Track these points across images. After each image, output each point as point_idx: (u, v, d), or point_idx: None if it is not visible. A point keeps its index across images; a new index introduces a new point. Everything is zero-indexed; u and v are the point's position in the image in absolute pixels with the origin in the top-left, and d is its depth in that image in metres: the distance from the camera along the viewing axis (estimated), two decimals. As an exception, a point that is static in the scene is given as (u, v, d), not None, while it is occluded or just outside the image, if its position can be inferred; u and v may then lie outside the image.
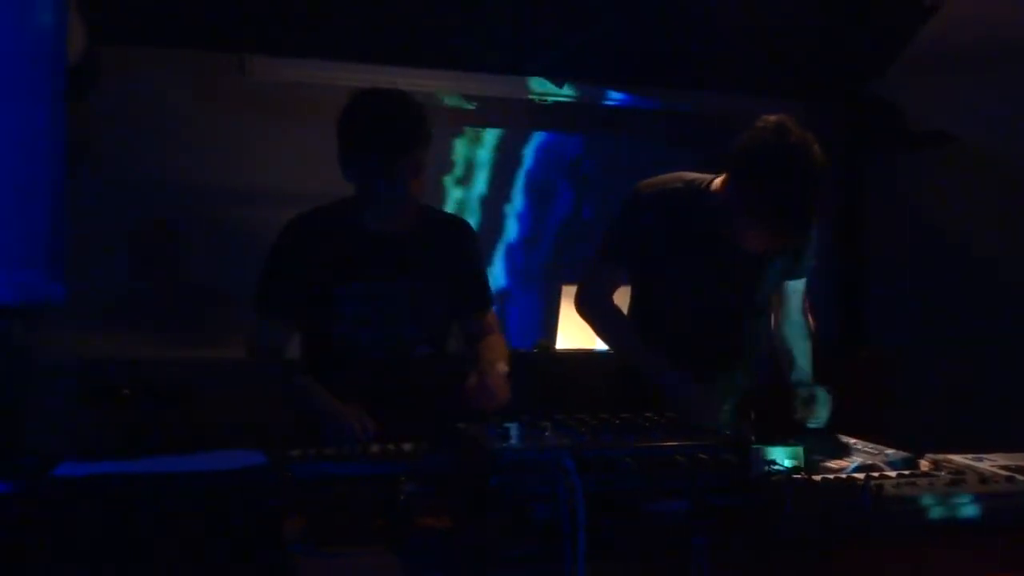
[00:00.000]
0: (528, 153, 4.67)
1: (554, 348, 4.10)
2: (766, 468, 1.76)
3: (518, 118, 4.63)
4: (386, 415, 2.24)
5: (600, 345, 2.73)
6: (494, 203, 4.62)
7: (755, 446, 1.78)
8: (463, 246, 2.56)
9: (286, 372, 2.46)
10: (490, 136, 4.62)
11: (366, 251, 2.41)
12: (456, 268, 2.52)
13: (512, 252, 4.65)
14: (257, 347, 2.48)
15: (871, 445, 2.18)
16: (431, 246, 2.47)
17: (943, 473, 1.90)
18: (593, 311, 2.54)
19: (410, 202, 2.37)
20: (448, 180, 4.55)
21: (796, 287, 2.59)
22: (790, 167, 2.18)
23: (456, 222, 2.64)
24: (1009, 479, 1.84)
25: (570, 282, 3.86)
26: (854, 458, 2.08)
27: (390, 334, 2.43)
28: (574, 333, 3.97)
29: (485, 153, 4.62)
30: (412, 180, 2.33)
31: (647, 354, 2.42)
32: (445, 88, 4.36)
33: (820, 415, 2.39)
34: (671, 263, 2.45)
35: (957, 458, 2.03)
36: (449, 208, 4.40)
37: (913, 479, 1.82)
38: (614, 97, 4.56)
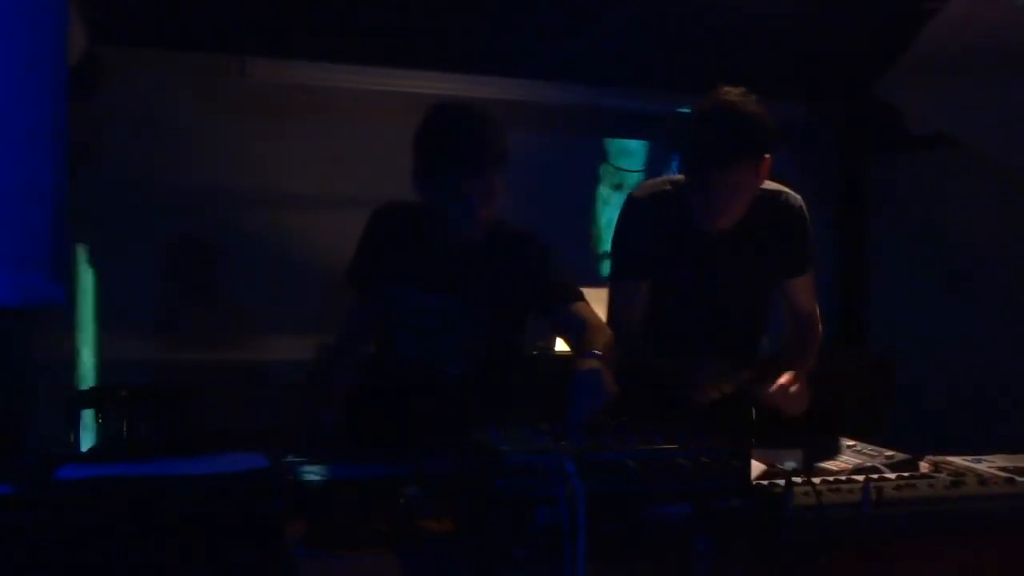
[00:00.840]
0: (530, 156, 4.66)
1: (554, 350, 4.09)
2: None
3: (524, 121, 4.62)
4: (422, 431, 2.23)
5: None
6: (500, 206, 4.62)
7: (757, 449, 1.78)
8: (529, 261, 2.41)
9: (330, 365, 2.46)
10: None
11: (432, 262, 2.36)
12: (522, 280, 2.39)
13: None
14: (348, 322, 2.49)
15: (871, 447, 2.18)
16: (497, 262, 2.37)
17: (943, 475, 1.91)
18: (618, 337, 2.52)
19: (480, 224, 2.28)
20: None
21: (800, 285, 2.58)
22: (706, 114, 2.27)
23: (525, 237, 2.45)
24: (1009, 481, 1.84)
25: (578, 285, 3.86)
26: (854, 460, 2.08)
27: (437, 350, 2.39)
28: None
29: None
30: (485, 202, 2.24)
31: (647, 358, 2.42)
32: (448, 90, 4.36)
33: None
34: (670, 264, 2.45)
35: (957, 460, 2.03)
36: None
37: (913, 481, 1.82)
38: (617, 100, 4.56)
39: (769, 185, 2.46)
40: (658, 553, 1.54)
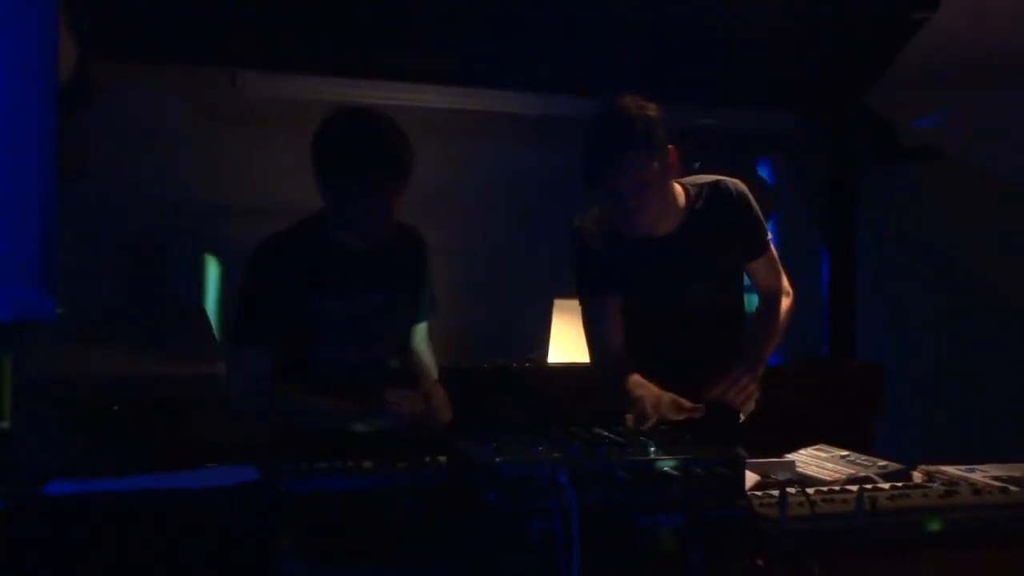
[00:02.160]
0: (519, 167, 4.67)
1: (546, 362, 4.09)
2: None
3: (510, 132, 4.63)
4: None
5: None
6: (485, 217, 4.62)
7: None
8: (418, 256, 2.50)
9: (283, 397, 2.33)
10: (480, 150, 4.63)
11: (337, 267, 2.32)
12: (416, 278, 2.48)
13: (503, 266, 4.65)
14: (234, 380, 2.39)
15: (864, 456, 2.18)
16: (397, 258, 2.42)
17: (937, 484, 1.91)
18: (594, 360, 2.53)
19: (381, 226, 2.29)
20: (438, 194, 4.55)
21: (760, 264, 2.56)
22: (592, 122, 2.31)
23: (408, 231, 2.51)
24: (1002, 490, 1.84)
25: (561, 296, 3.86)
26: (847, 470, 2.08)
27: (364, 350, 2.37)
28: (566, 347, 3.96)
29: (475, 167, 4.62)
30: (387, 207, 2.24)
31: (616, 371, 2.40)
32: (437, 102, 4.37)
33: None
34: (625, 279, 2.47)
35: (950, 469, 2.03)
36: (439, 222, 4.39)
37: (907, 491, 1.82)
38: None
39: (704, 177, 2.50)
40: (652, 564, 1.53)
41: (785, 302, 2.59)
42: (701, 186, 2.48)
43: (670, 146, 2.32)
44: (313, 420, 2.31)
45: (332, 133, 2.24)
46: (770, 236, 2.58)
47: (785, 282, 2.62)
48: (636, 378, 2.32)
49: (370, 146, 2.16)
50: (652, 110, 2.30)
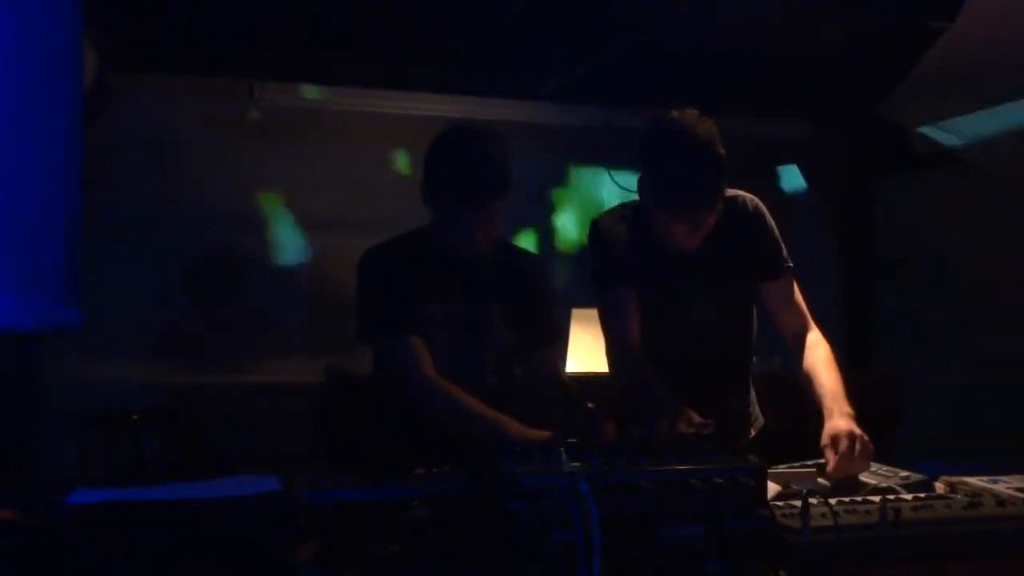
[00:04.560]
0: (537, 177, 4.68)
1: (564, 372, 4.08)
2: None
3: (526, 142, 4.64)
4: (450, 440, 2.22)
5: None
6: (503, 226, 4.63)
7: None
8: (532, 279, 2.55)
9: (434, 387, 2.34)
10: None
11: (438, 276, 2.41)
12: (523, 299, 2.50)
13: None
14: (401, 368, 2.37)
15: (885, 467, 2.16)
16: (503, 275, 2.48)
17: (959, 496, 1.89)
18: (613, 359, 2.49)
19: (482, 239, 2.37)
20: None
21: (778, 292, 2.50)
22: (675, 140, 2.27)
23: (529, 256, 2.67)
24: (1026, 501, 1.82)
25: (580, 305, 3.85)
26: (870, 480, 2.07)
27: (461, 360, 2.41)
28: (584, 356, 3.96)
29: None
30: (483, 226, 2.34)
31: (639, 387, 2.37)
32: (452, 112, 4.38)
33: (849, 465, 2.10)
34: (641, 282, 2.46)
35: (973, 480, 2.02)
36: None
37: (930, 502, 1.81)
38: (624, 122, 4.57)
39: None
40: (672, 574, 1.52)
41: (815, 336, 2.48)
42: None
43: None
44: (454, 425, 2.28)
45: (443, 149, 2.37)
46: (790, 265, 2.50)
47: (811, 320, 2.51)
48: (657, 384, 2.31)
49: (479, 164, 2.29)
50: (716, 130, 2.29)
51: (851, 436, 2.11)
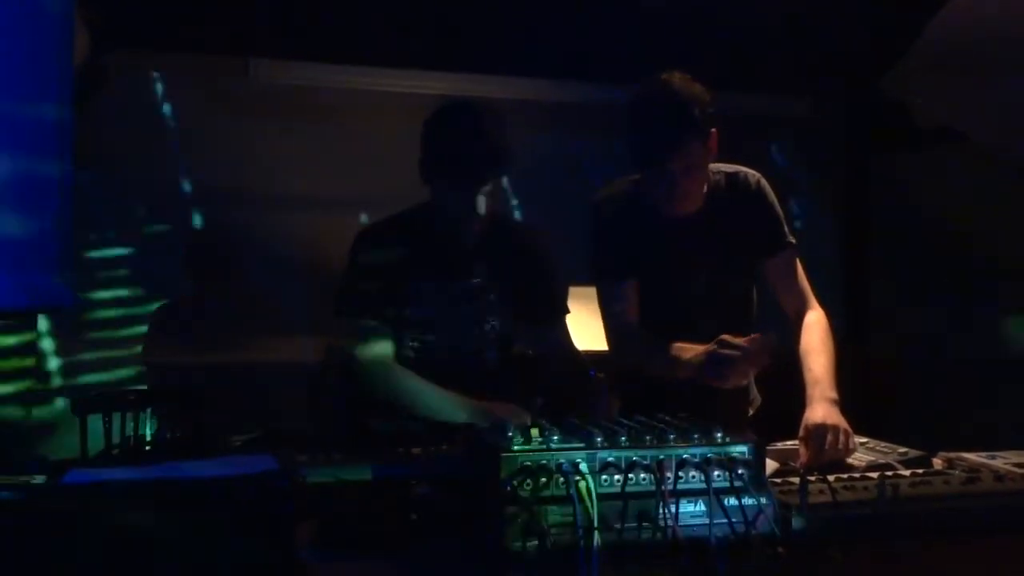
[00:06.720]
0: (535, 155, 4.65)
1: (573, 345, 4.07)
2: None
3: (526, 120, 4.61)
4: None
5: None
6: (499, 204, 4.61)
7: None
8: (533, 255, 2.56)
9: (388, 370, 2.40)
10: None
11: (437, 252, 2.42)
12: (523, 275, 2.51)
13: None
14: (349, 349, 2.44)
15: (883, 443, 2.16)
16: (503, 251, 2.48)
17: (958, 471, 1.89)
18: (613, 338, 2.50)
19: (478, 221, 2.39)
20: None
21: (778, 268, 2.49)
22: (643, 93, 2.30)
23: (531, 232, 2.70)
24: (1025, 477, 1.82)
25: (577, 283, 3.84)
26: (867, 457, 2.07)
27: (460, 336, 2.43)
28: (581, 335, 3.95)
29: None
30: (486, 199, 2.35)
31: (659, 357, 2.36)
32: (450, 89, 4.36)
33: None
34: (645, 257, 2.45)
35: (971, 456, 2.02)
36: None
37: (928, 478, 1.81)
38: (620, 98, 4.55)
39: (725, 167, 2.46)
40: (671, 552, 1.52)
41: (814, 315, 2.47)
42: (721, 174, 2.45)
43: (712, 129, 2.29)
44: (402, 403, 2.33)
45: (441, 126, 2.38)
46: (792, 241, 2.48)
47: (813, 299, 2.50)
48: (679, 344, 2.28)
49: (477, 140, 2.31)
50: (702, 91, 2.28)
51: (823, 429, 2.10)
